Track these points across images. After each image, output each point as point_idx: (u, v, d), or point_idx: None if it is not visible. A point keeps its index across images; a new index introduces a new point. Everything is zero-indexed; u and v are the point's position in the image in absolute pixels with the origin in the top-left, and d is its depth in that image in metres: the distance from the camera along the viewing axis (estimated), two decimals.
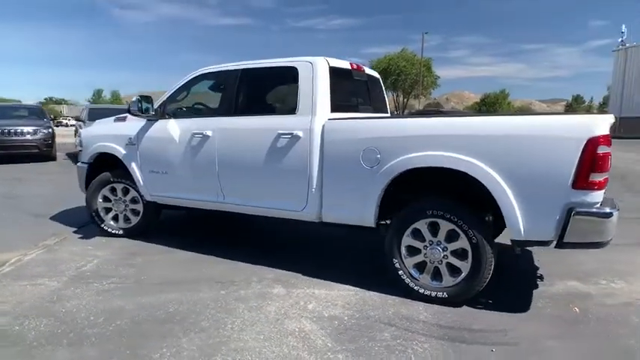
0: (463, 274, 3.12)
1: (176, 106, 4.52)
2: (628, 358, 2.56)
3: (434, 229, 3.19)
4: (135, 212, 4.88)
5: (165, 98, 4.45)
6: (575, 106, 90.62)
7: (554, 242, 2.88)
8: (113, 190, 4.88)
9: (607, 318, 3.03)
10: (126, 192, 4.85)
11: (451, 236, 3.14)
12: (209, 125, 4.09)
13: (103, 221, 4.93)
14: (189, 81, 4.43)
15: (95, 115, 13.04)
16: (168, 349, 2.59)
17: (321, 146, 3.52)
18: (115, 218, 4.94)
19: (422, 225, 3.22)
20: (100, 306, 3.18)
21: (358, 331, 2.82)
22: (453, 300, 3.16)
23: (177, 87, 4.47)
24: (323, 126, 3.54)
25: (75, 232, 5.18)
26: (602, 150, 2.65)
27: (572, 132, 2.72)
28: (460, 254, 3.14)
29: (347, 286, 3.52)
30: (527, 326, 2.89)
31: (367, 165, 3.32)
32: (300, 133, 3.58)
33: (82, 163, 5.09)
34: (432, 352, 2.58)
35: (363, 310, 3.12)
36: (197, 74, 4.39)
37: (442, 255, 3.17)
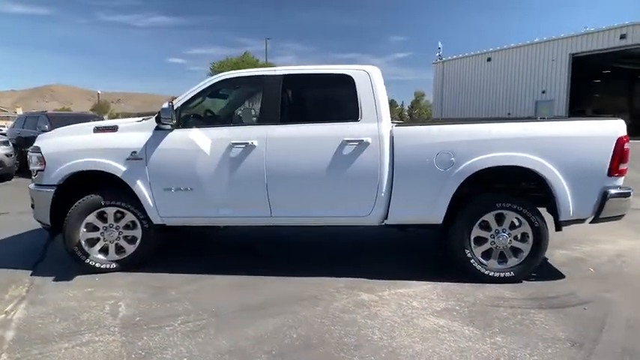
0: (525, 254, 3.70)
1: (195, 114, 4.00)
2: None
3: (499, 219, 3.70)
4: (130, 240, 4.11)
5: (179, 105, 3.90)
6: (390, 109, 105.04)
7: (590, 218, 3.69)
8: (102, 216, 4.02)
9: (612, 272, 4.02)
10: (119, 217, 4.05)
11: (514, 224, 3.70)
12: (252, 134, 3.78)
13: (87, 255, 4.01)
14: (208, 87, 3.99)
15: None
16: None
17: (391, 151, 3.67)
18: (104, 250, 4.07)
19: (490, 217, 3.70)
20: (209, 349, 2.73)
21: (481, 316, 3.13)
22: (517, 277, 3.71)
23: (194, 93, 3.97)
24: (391, 132, 3.70)
25: (34, 274, 4.09)
26: (626, 146, 3.54)
27: (607, 132, 3.55)
28: (520, 238, 3.71)
29: (420, 282, 3.76)
30: (579, 287, 3.63)
31: (441, 167, 3.62)
32: (369, 140, 3.66)
33: (45, 185, 4.03)
34: (551, 319, 3.07)
35: (460, 299, 3.42)
36: (219, 79, 3.99)
37: (508, 240, 3.70)
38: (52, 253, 4.78)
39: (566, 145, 3.56)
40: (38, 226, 5.73)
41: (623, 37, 20.47)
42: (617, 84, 32.47)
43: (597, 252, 4.61)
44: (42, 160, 4.01)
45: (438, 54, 33.15)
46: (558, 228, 3.80)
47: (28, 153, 4.26)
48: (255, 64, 56.18)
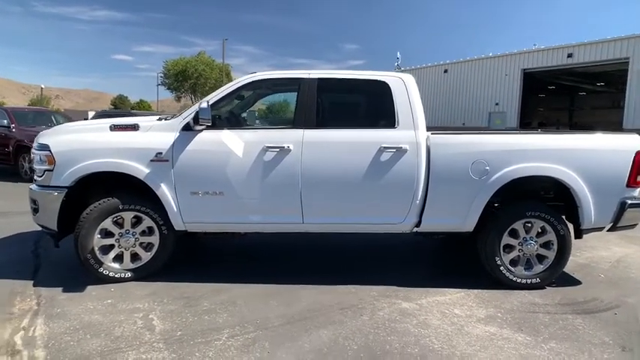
0: (550, 261, 3.85)
1: (227, 116, 3.81)
2: None
3: (527, 227, 3.82)
4: (147, 247, 3.83)
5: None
6: None
7: (608, 227, 3.90)
8: (117, 221, 3.71)
9: (621, 277, 4.27)
10: (135, 222, 3.76)
11: (540, 232, 3.84)
12: (287, 137, 3.66)
13: (101, 264, 3.69)
14: (240, 87, 3.83)
15: None
16: None
17: (427, 159, 3.69)
18: (118, 258, 3.76)
19: (519, 225, 3.81)
20: None
21: (526, 322, 3.20)
22: (542, 284, 3.85)
23: (226, 93, 3.80)
24: (427, 140, 3.72)
25: (37, 285, 3.70)
26: None
27: (627, 146, 3.77)
28: (545, 245, 3.86)
29: (452, 290, 3.79)
30: (600, 293, 3.83)
31: (476, 176, 3.68)
32: (407, 147, 3.65)
33: (53, 187, 3.66)
34: (591, 324, 3.20)
35: (497, 307, 3.49)
36: (251, 79, 3.83)
37: (535, 248, 3.83)
38: (46, 260, 4.36)
39: (590, 157, 3.75)
40: (15, 230, 5.30)
41: (570, 55, 22.07)
42: (560, 99, 35.06)
43: (598, 258, 4.89)
44: (51, 159, 3.64)
45: (396, 63, 33.93)
46: (579, 236, 3.98)
47: (32, 151, 3.85)
48: (211, 64, 55.07)
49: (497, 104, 27.14)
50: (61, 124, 10.74)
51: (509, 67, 25.96)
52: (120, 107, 64.26)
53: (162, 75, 54.77)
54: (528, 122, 32.15)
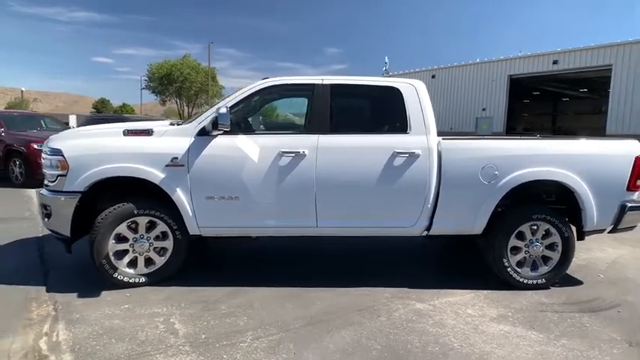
0: (554, 262, 3.99)
1: (240, 120, 3.85)
2: None
3: (533, 229, 3.95)
4: (161, 252, 3.84)
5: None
6: None
7: (609, 229, 4.07)
8: (131, 226, 3.72)
9: (619, 277, 4.43)
10: (149, 227, 3.77)
11: (545, 234, 3.97)
12: (302, 143, 3.73)
13: (115, 269, 3.69)
14: (254, 92, 3.88)
15: None
16: None
17: (439, 164, 3.80)
18: (132, 263, 3.77)
19: (526, 227, 3.94)
20: None
21: (537, 321, 3.32)
22: (547, 284, 3.99)
23: (240, 98, 3.85)
24: (438, 145, 3.83)
25: (51, 291, 3.69)
26: None
27: (627, 151, 3.94)
28: (550, 247, 4.00)
29: (462, 291, 3.90)
30: (601, 292, 3.98)
31: (485, 180, 3.81)
32: (419, 152, 3.76)
33: (66, 192, 3.65)
34: (597, 321, 3.34)
35: (507, 306, 3.61)
36: (266, 85, 3.89)
37: (540, 249, 3.96)
38: (53, 265, 4.33)
39: (593, 161, 3.90)
40: (17, 236, 5.23)
41: (555, 62, 22.65)
42: (544, 104, 35.87)
43: (595, 259, 5.06)
44: (64, 163, 3.63)
45: (384, 68, 34.35)
46: (581, 237, 4.13)
47: (43, 155, 3.84)
48: (197, 67, 54.70)
49: (484, 109, 27.63)
50: (50, 127, 10.69)
51: (496, 73, 26.47)
52: (102, 111, 63.32)
53: (146, 78, 54.23)
54: (513, 127, 32.80)
